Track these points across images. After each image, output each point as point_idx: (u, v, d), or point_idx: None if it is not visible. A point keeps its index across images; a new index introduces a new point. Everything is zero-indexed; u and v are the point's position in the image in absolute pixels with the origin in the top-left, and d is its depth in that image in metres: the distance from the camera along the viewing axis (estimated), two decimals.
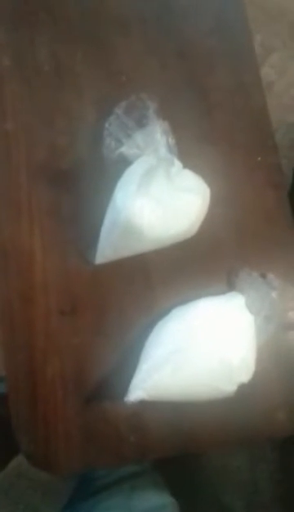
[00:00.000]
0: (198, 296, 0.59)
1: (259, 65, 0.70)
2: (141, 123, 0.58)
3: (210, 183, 0.60)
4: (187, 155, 0.59)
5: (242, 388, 0.54)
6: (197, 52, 0.68)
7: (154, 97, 0.59)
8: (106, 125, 0.58)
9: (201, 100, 0.66)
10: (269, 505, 1.06)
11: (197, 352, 0.54)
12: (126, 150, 0.56)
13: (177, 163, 0.56)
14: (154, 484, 0.69)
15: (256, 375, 0.55)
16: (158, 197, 0.55)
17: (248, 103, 0.68)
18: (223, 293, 0.60)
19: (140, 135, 0.57)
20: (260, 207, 0.65)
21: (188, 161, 0.59)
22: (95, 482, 0.68)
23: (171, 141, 0.55)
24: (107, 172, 0.59)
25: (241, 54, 0.70)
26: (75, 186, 0.62)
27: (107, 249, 0.59)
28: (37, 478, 0.87)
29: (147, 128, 0.57)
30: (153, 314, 0.59)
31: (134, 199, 0.55)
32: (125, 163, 0.57)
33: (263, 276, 0.61)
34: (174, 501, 0.65)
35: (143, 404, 0.52)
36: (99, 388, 0.58)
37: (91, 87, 0.65)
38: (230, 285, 0.61)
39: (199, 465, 1.06)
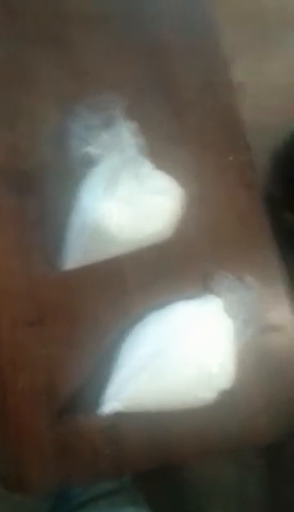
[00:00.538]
0: (174, 300, 0.57)
1: (230, 65, 0.70)
2: (107, 124, 0.56)
3: (181, 184, 0.58)
4: (157, 156, 0.58)
5: (222, 394, 0.53)
6: (164, 51, 0.67)
7: (121, 97, 0.58)
8: (70, 126, 0.56)
9: (169, 99, 0.65)
10: None
11: (174, 358, 0.53)
12: (92, 150, 0.54)
13: (147, 164, 0.55)
14: (133, 501, 0.66)
15: (236, 380, 0.54)
16: (127, 198, 0.53)
17: (218, 102, 0.67)
18: (200, 296, 0.58)
19: (107, 135, 0.55)
20: (234, 207, 0.63)
21: (158, 162, 0.57)
22: (71, 500, 0.65)
23: (140, 141, 0.53)
24: (72, 174, 0.57)
25: (209, 52, 0.69)
26: (39, 189, 0.59)
27: (76, 254, 0.57)
28: (10, 500, 0.83)
29: (114, 129, 0.55)
30: (128, 320, 0.57)
31: (101, 201, 0.53)
32: (90, 164, 0.56)
33: (240, 278, 0.59)
34: None
35: (118, 415, 0.50)
36: (72, 399, 0.55)
37: (55, 88, 0.63)
38: (207, 289, 0.59)
39: (184, 477, 1.03)
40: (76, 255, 0.56)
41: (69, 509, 0.64)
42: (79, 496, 0.65)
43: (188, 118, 0.65)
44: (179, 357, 0.52)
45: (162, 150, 0.60)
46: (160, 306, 0.56)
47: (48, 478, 0.55)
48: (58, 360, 0.56)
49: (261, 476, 1.08)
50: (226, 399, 0.53)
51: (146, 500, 0.69)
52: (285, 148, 1.03)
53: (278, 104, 1.27)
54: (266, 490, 1.08)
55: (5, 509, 0.86)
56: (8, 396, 0.55)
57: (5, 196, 0.59)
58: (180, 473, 1.00)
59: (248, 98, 1.25)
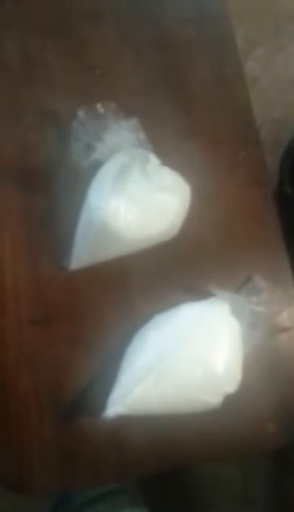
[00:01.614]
0: (180, 301, 0.55)
1: (243, 59, 0.68)
2: (114, 121, 0.54)
3: (190, 181, 0.56)
4: (165, 152, 0.56)
5: (229, 399, 0.51)
6: (174, 44, 0.65)
7: (129, 92, 0.56)
8: (72, 130, 0.54)
9: (179, 93, 0.63)
10: None
11: (179, 361, 0.51)
12: (98, 154, 0.53)
13: (154, 161, 0.53)
14: (133, 503, 0.65)
15: (243, 384, 0.52)
16: (135, 196, 0.52)
17: (230, 96, 0.65)
18: (206, 297, 0.56)
19: (114, 134, 0.53)
20: (244, 205, 0.62)
21: (166, 158, 0.55)
22: (72, 500, 0.64)
23: (143, 136, 0.52)
24: (80, 172, 0.56)
25: (221, 45, 0.67)
26: (47, 187, 0.58)
27: (82, 254, 0.55)
28: (8, 500, 0.83)
29: (113, 128, 0.53)
30: (134, 322, 0.56)
31: (108, 199, 0.52)
32: (98, 165, 0.54)
33: (249, 278, 0.58)
34: None
35: (123, 419, 0.49)
36: (76, 402, 0.54)
37: (64, 82, 0.61)
38: (214, 289, 0.57)
39: (190, 477, 1.02)
40: (82, 255, 0.55)
41: (70, 510, 0.63)
42: (79, 497, 0.64)
43: (198, 112, 0.64)
44: (184, 361, 0.51)
45: (170, 145, 0.59)
46: (165, 308, 0.55)
47: (51, 481, 0.54)
48: (62, 361, 0.55)
49: (266, 476, 1.07)
50: (233, 404, 0.51)
51: (149, 500, 0.68)
52: None
53: (293, 98, 1.24)
54: (271, 491, 1.06)
55: (5, 509, 0.86)
56: (10, 398, 0.54)
57: (14, 194, 0.57)
58: (183, 472, 0.99)
59: (262, 93, 1.23)
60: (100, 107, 0.53)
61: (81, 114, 0.54)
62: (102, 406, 0.49)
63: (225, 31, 0.67)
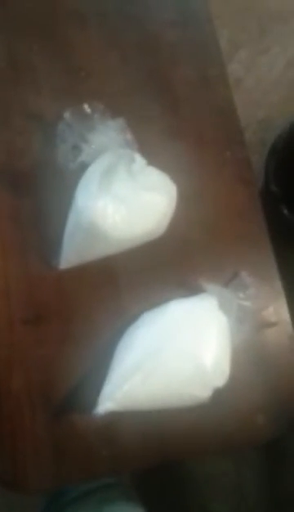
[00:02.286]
0: (168, 299, 0.56)
1: (227, 61, 0.69)
2: (100, 122, 0.55)
3: (177, 180, 0.57)
4: (152, 152, 0.57)
5: (218, 393, 0.52)
6: (159, 45, 0.66)
7: (115, 93, 0.57)
8: (58, 132, 0.55)
9: (165, 94, 0.64)
10: (256, 509, 1.04)
11: (168, 357, 0.52)
12: (85, 156, 0.54)
13: (140, 160, 0.54)
14: (126, 496, 0.66)
15: (232, 378, 0.53)
16: (121, 196, 0.52)
17: (214, 97, 0.66)
18: (194, 294, 0.57)
19: (96, 137, 0.54)
20: (231, 204, 0.63)
21: (153, 158, 0.56)
22: (65, 494, 0.65)
23: (130, 137, 0.53)
24: (68, 173, 0.56)
25: (205, 47, 0.68)
26: (35, 188, 0.59)
27: (71, 253, 0.56)
28: (3, 498, 0.83)
29: (100, 129, 0.54)
30: (123, 320, 0.56)
31: (95, 199, 0.52)
32: (85, 166, 0.55)
33: (235, 274, 0.59)
34: None
35: (114, 415, 0.49)
36: (67, 400, 0.55)
37: (50, 84, 0.62)
38: (201, 286, 0.58)
39: (185, 473, 1.03)
40: (71, 255, 0.55)
41: (63, 504, 0.64)
42: (72, 491, 0.65)
43: (183, 113, 0.65)
44: (173, 356, 0.52)
45: (157, 145, 0.60)
46: (153, 305, 0.56)
47: (45, 480, 0.54)
48: (53, 359, 0.56)
49: (259, 470, 1.08)
50: (222, 397, 0.52)
51: (143, 495, 0.69)
52: (283, 143, 1.02)
53: (276, 99, 1.26)
54: (262, 485, 1.08)
55: (1, 506, 0.87)
56: (4, 397, 0.54)
57: (2, 196, 0.58)
58: (178, 468, 1.00)
59: (246, 94, 1.25)
60: (86, 107, 0.53)
61: (67, 115, 0.54)
62: (93, 403, 0.49)
63: (209, 33, 0.68)
